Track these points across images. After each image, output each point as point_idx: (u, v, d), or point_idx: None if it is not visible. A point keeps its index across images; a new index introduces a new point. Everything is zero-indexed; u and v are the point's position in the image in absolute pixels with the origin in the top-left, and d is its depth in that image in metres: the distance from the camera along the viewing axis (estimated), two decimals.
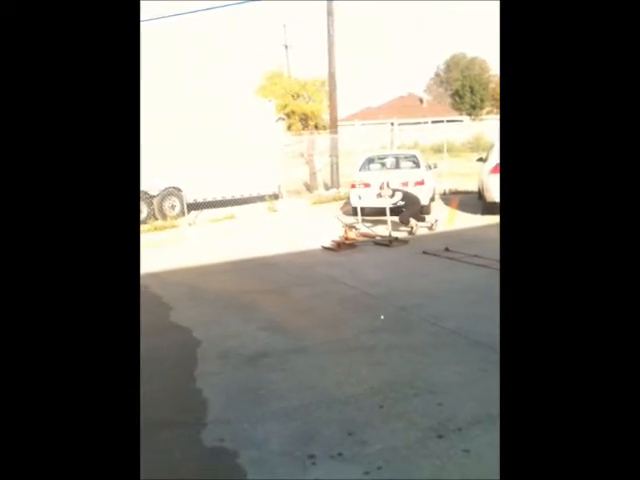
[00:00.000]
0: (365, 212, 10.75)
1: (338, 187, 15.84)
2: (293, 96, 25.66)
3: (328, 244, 7.77)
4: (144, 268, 6.99)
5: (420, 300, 4.80)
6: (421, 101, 40.78)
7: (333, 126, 16.41)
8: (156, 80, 13.62)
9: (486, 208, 9.50)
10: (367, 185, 9.85)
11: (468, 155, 20.45)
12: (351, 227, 8.31)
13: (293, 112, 24.87)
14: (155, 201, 11.66)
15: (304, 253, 7.52)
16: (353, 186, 10.54)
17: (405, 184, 9.86)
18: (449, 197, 13.06)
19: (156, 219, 11.48)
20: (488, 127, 25.18)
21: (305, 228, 8.91)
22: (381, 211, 10.65)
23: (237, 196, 13.20)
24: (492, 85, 43.39)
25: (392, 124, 21.79)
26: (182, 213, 11.89)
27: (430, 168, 11.32)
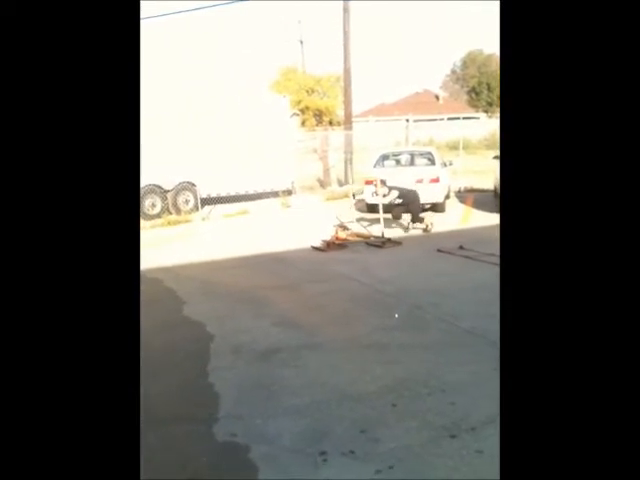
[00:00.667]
0: (376, 209, 10.71)
1: (352, 183, 15.80)
2: (307, 92, 25.61)
3: (318, 244, 7.56)
4: (158, 262, 7.06)
5: (434, 299, 4.76)
6: (437, 98, 40.45)
7: (347, 122, 16.35)
8: (173, 76, 13.69)
9: None
10: (381, 182, 9.79)
11: (484, 152, 20.28)
12: (342, 227, 8.02)
13: (307, 108, 24.83)
14: (169, 195, 11.73)
15: (319, 249, 7.52)
16: (367, 182, 10.50)
17: (420, 181, 9.79)
18: (464, 195, 12.95)
19: (170, 213, 11.55)
20: None
21: (318, 224, 8.89)
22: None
23: (251, 192, 13.22)
24: None
25: (407, 120, 21.67)
26: (196, 208, 11.96)
27: (445, 165, 11.23)
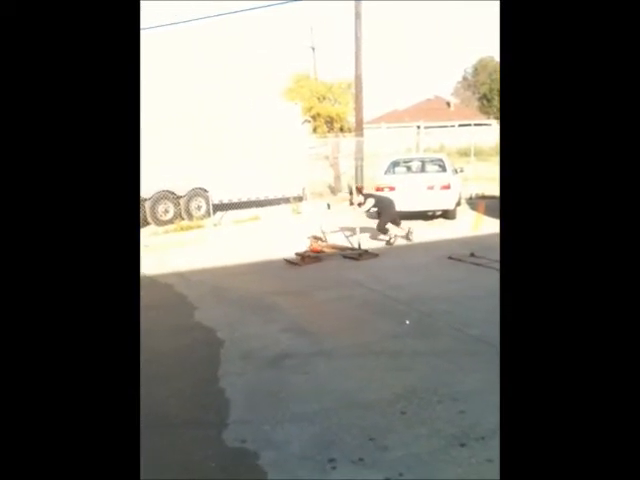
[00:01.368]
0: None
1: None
2: (319, 98, 25.68)
3: (293, 257, 7.16)
4: (170, 267, 7.12)
5: (445, 306, 4.74)
6: (448, 104, 40.36)
7: (359, 129, 16.37)
8: (186, 83, 13.84)
9: None
10: (392, 188, 9.79)
11: (496, 159, 20.12)
12: (317, 238, 7.46)
13: (319, 114, 24.88)
14: (182, 201, 11.83)
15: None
16: (377, 189, 10.50)
17: (431, 188, 9.78)
18: (475, 201, 12.89)
19: (182, 219, 11.64)
20: None
21: (328, 231, 8.90)
22: (408, 215, 10.61)
23: (262, 198, 13.29)
24: None
25: (418, 127, 21.63)
26: (208, 214, 12.04)
27: (456, 172, 11.20)
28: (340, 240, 8.33)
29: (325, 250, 7.38)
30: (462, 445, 2.48)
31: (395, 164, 11.30)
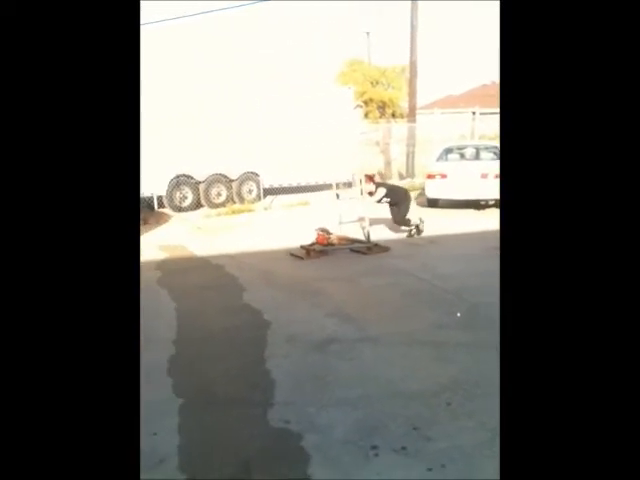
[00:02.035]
0: (437, 204, 10.51)
1: (413, 177, 15.56)
2: (372, 83, 25.37)
3: (299, 251, 6.82)
4: (222, 249, 7.30)
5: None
6: None
7: (411, 114, 16.10)
8: (241, 68, 13.99)
9: None
10: (444, 176, 9.60)
11: None
12: (324, 230, 7.05)
13: (371, 100, 24.60)
14: (234, 185, 12.07)
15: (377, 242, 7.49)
16: (429, 177, 10.32)
17: (484, 176, 9.53)
18: None
19: (234, 202, 11.88)
20: None
21: (376, 217, 8.84)
22: (459, 203, 10.37)
23: (312, 183, 13.34)
24: None
25: (473, 113, 21.03)
26: (258, 197, 12.25)
27: None
28: (354, 232, 7.60)
29: (334, 242, 6.99)
30: None
31: (448, 151, 11.07)
